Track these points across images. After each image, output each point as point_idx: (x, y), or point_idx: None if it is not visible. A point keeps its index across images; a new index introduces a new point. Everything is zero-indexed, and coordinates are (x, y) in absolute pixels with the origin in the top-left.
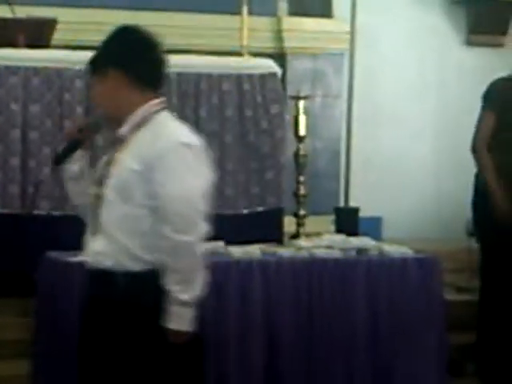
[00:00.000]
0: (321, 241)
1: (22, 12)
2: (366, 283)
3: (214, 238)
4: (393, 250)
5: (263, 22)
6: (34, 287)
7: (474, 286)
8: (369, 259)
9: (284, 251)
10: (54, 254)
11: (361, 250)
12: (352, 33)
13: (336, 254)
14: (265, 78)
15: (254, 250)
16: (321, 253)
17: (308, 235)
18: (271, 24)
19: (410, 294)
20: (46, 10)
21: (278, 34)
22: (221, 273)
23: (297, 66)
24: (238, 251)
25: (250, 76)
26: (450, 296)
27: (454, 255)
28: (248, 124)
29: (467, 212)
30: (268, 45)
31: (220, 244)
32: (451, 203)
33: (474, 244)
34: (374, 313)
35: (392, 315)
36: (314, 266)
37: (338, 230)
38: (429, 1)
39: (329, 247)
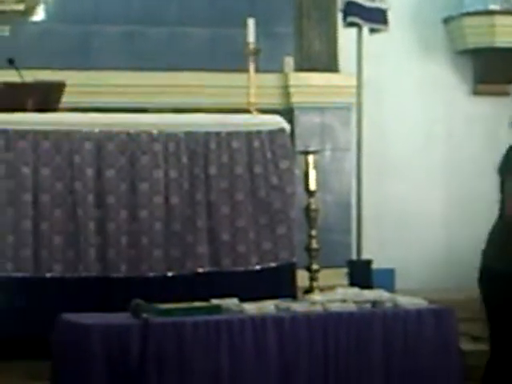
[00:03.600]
0: (335, 295)
1: (30, 76)
2: (381, 336)
3: (228, 295)
4: (407, 301)
5: (270, 79)
6: (47, 350)
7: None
8: (384, 312)
9: (298, 306)
10: (68, 316)
11: (375, 303)
12: (359, 86)
13: (351, 307)
14: (273, 134)
15: (268, 306)
16: (335, 307)
17: (322, 289)
18: (278, 80)
19: (427, 346)
20: (54, 74)
21: (286, 90)
22: (235, 330)
23: (305, 120)
24: (252, 308)
25: (259, 133)
26: (466, 346)
27: (467, 304)
28: (258, 180)
29: (479, 260)
30: (276, 101)
31: (234, 301)
32: (462, 252)
33: None
34: (390, 366)
35: (409, 367)
36: (328, 321)
37: (352, 283)
38: (435, 52)
39: (343, 301)
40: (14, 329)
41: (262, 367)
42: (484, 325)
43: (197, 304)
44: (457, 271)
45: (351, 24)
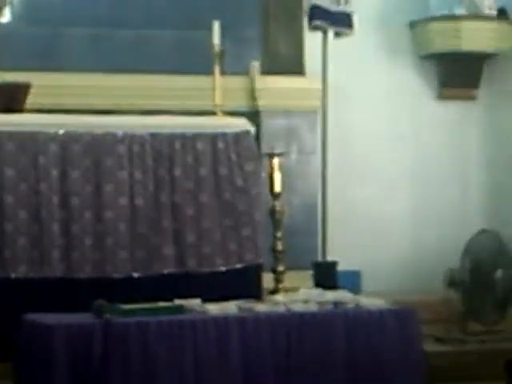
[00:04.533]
0: (298, 295)
1: None
2: (343, 336)
3: (194, 296)
4: (369, 302)
5: (236, 82)
6: (11, 350)
7: (453, 336)
8: (346, 312)
9: (261, 307)
10: (32, 316)
11: (338, 304)
12: (324, 90)
13: (313, 307)
14: (239, 136)
15: (231, 307)
16: (298, 307)
17: (287, 290)
18: (244, 83)
19: (388, 346)
20: (19, 75)
21: (252, 93)
22: (198, 330)
23: (271, 123)
24: (214, 308)
25: (224, 135)
26: (430, 347)
27: (433, 306)
28: (223, 182)
29: (446, 262)
30: (241, 103)
31: (197, 301)
32: (429, 254)
33: (453, 294)
34: (352, 365)
35: (371, 367)
36: (291, 321)
37: (317, 285)
38: (400, 56)
39: (306, 301)
40: None
41: (226, 367)
42: (449, 327)
43: (160, 304)
44: (422, 273)
45: (316, 28)
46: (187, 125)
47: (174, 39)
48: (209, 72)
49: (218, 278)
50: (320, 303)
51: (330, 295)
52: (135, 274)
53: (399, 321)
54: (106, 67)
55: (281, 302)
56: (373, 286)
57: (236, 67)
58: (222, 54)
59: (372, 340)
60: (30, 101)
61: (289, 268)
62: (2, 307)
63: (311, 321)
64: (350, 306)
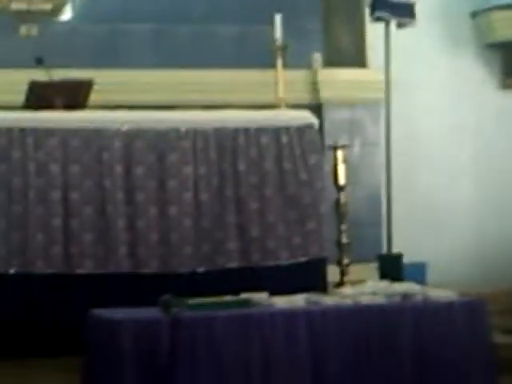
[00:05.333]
0: (365, 288)
1: (58, 75)
2: (412, 329)
3: (255, 290)
4: (437, 294)
5: (299, 75)
6: (79, 345)
7: None
8: (414, 304)
9: (328, 300)
10: (99, 312)
11: (405, 296)
12: (387, 82)
13: (381, 300)
14: (302, 129)
15: (298, 300)
16: (365, 300)
17: (352, 283)
18: (307, 76)
19: (457, 338)
20: (82, 72)
21: (314, 86)
22: (266, 324)
23: (334, 116)
24: (281, 301)
25: (288, 128)
26: (498, 339)
27: (500, 297)
28: (287, 176)
29: (511, 252)
30: (304, 96)
31: (263, 295)
32: (495, 245)
33: None
34: (421, 358)
35: (439, 360)
36: (359, 314)
37: (382, 277)
38: (463, 46)
39: (373, 294)
40: (46, 325)
41: (293, 360)
42: None
43: (226, 298)
44: (488, 264)
45: (379, 19)
46: (250, 119)
47: (236, 33)
48: (271, 65)
49: (283, 272)
50: (388, 295)
51: (398, 287)
52: (200, 269)
53: (468, 312)
54: (168, 63)
55: (348, 295)
56: (438, 278)
57: (298, 60)
58: (284, 47)
59: (441, 332)
60: (94, 98)
61: (354, 261)
62: (68, 303)
63: (379, 313)
64: (419, 298)
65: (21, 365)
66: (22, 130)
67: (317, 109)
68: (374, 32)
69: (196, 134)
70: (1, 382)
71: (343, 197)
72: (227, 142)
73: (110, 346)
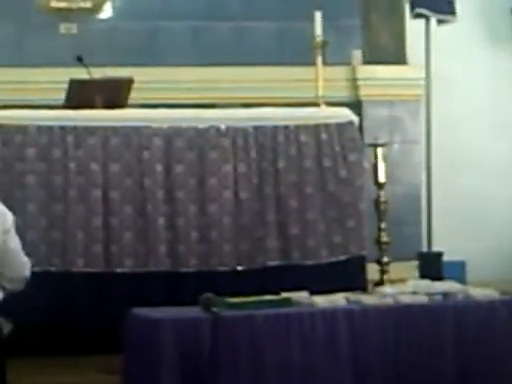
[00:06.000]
0: (405, 287)
1: (98, 73)
2: (453, 328)
3: (298, 288)
4: (478, 292)
5: (338, 72)
6: (118, 344)
7: None
8: (455, 303)
9: (369, 299)
10: (138, 311)
11: (447, 295)
12: (427, 78)
13: (422, 299)
14: (342, 126)
15: (339, 299)
16: (406, 299)
17: (392, 282)
18: (346, 73)
19: (499, 337)
20: (121, 70)
21: (354, 83)
22: (306, 323)
23: (373, 113)
24: (322, 300)
25: (327, 126)
26: None
27: None
28: (327, 174)
29: None
30: (344, 94)
31: (304, 294)
32: None
33: None
34: (463, 357)
35: (482, 359)
36: (400, 313)
37: (423, 276)
38: (504, 42)
39: (414, 293)
40: (86, 324)
41: (334, 360)
42: None
43: (267, 297)
44: None
45: (419, 15)
46: (290, 117)
47: (275, 30)
48: (310, 62)
49: (323, 270)
50: (429, 294)
51: (439, 286)
52: (239, 267)
53: (510, 311)
54: (208, 61)
55: (389, 294)
56: (477, 277)
57: (337, 57)
58: (324, 44)
59: (482, 331)
60: (133, 96)
61: (393, 259)
62: (108, 302)
63: (421, 313)
64: (460, 296)
65: (59, 363)
66: (63, 129)
67: (356, 106)
68: (414, 29)
69: (236, 132)
70: (39, 381)
71: (383, 195)
72: (267, 139)
73: (150, 346)
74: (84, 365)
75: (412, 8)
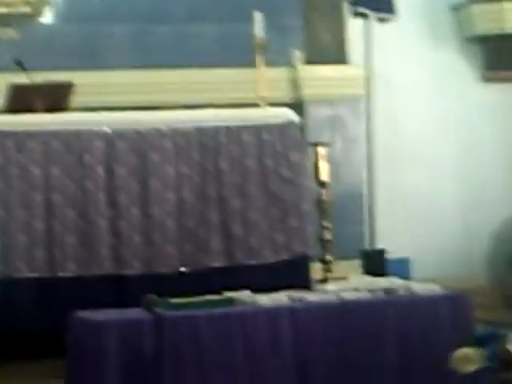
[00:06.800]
0: (348, 284)
1: (39, 77)
2: (396, 323)
3: (240, 288)
4: (421, 288)
5: (279, 72)
6: (63, 349)
7: (506, 320)
8: (398, 299)
9: (311, 296)
10: (82, 314)
11: (389, 290)
12: (368, 77)
13: (364, 295)
14: (283, 126)
15: (282, 297)
16: (349, 296)
17: (335, 280)
18: (288, 73)
19: (442, 332)
20: (62, 74)
21: (295, 83)
22: (249, 322)
23: (315, 113)
24: (265, 299)
25: (269, 126)
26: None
27: (483, 291)
28: (269, 174)
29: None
30: (285, 94)
31: (246, 293)
32: (479, 239)
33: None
34: (405, 352)
35: (424, 354)
36: (343, 310)
37: (366, 273)
38: (444, 40)
39: (356, 290)
40: (29, 328)
41: (278, 358)
42: (500, 312)
43: (210, 297)
44: (474, 257)
45: (359, 14)
46: (232, 117)
47: (216, 33)
48: (252, 64)
49: (266, 270)
50: (371, 291)
51: (380, 282)
52: (183, 269)
53: (452, 306)
54: (148, 63)
55: (331, 291)
56: (422, 274)
57: (279, 58)
58: (264, 45)
59: (425, 326)
60: (74, 99)
61: (337, 258)
62: (51, 305)
63: (363, 309)
64: (402, 292)
65: (3, 369)
66: (3, 133)
67: (298, 106)
68: (354, 28)
69: (177, 134)
70: None
71: (325, 194)
72: (209, 140)
73: (94, 348)
74: (29, 370)
75: (352, 7)
